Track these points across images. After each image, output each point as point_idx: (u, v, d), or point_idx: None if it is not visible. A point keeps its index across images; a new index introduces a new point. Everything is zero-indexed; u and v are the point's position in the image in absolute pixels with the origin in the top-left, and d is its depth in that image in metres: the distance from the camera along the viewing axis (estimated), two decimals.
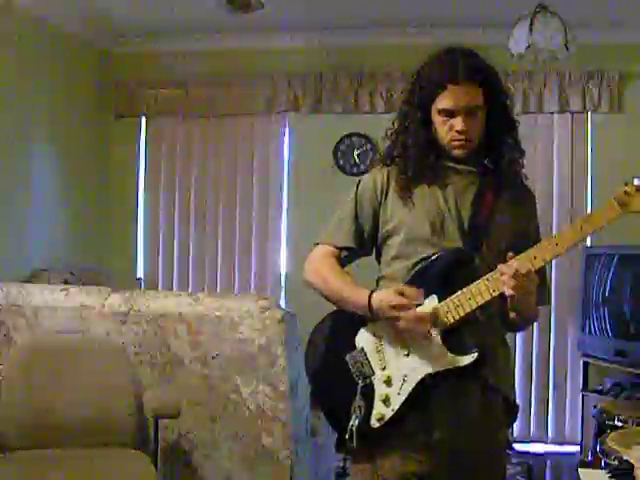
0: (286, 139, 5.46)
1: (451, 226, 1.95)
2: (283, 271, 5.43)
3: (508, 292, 1.80)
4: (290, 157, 5.45)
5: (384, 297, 1.89)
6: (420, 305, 1.88)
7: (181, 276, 5.56)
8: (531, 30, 3.72)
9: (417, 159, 1.97)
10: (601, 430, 3.35)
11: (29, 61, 4.61)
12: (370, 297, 1.91)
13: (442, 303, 1.88)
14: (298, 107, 5.33)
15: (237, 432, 3.18)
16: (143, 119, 5.60)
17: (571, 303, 4.98)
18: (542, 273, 1.94)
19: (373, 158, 5.11)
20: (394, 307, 1.86)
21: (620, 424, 3.25)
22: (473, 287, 1.85)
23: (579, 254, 4.79)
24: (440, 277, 1.90)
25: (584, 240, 1.86)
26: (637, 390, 4.27)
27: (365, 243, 2.07)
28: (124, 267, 5.53)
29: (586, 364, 4.72)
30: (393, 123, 2.05)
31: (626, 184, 1.79)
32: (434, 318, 1.86)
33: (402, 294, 1.87)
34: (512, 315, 1.94)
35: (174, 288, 5.50)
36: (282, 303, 5.16)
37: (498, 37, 4.14)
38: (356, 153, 5.29)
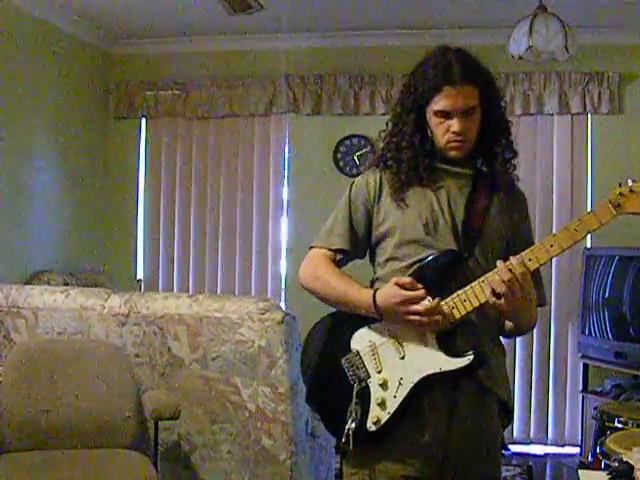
0: (286, 140, 5.45)
1: (444, 228, 1.94)
2: (283, 273, 5.43)
3: (496, 300, 1.79)
4: (290, 158, 5.44)
5: (389, 293, 1.86)
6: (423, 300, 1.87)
7: (181, 277, 5.55)
8: (531, 31, 3.72)
9: (410, 161, 1.96)
10: (601, 432, 3.34)
11: (29, 62, 4.61)
12: (374, 296, 1.89)
13: None
14: (298, 108, 5.33)
15: (237, 433, 3.18)
16: (143, 120, 5.60)
17: (571, 304, 4.98)
18: (537, 275, 1.94)
19: (367, 160, 5.10)
20: (402, 302, 1.84)
21: (620, 426, 3.24)
22: (469, 289, 1.85)
23: (579, 255, 4.79)
24: (434, 279, 1.89)
25: (579, 242, 1.86)
26: (637, 392, 4.26)
27: (359, 245, 2.05)
28: (124, 268, 5.53)
29: (586, 366, 4.72)
30: (387, 125, 2.04)
31: (620, 185, 1.80)
32: (441, 311, 1.85)
33: (404, 286, 1.85)
34: (508, 324, 1.95)
35: (174, 290, 5.50)
36: (282, 305, 5.16)
37: (498, 38, 4.15)
38: (356, 155, 5.29)
